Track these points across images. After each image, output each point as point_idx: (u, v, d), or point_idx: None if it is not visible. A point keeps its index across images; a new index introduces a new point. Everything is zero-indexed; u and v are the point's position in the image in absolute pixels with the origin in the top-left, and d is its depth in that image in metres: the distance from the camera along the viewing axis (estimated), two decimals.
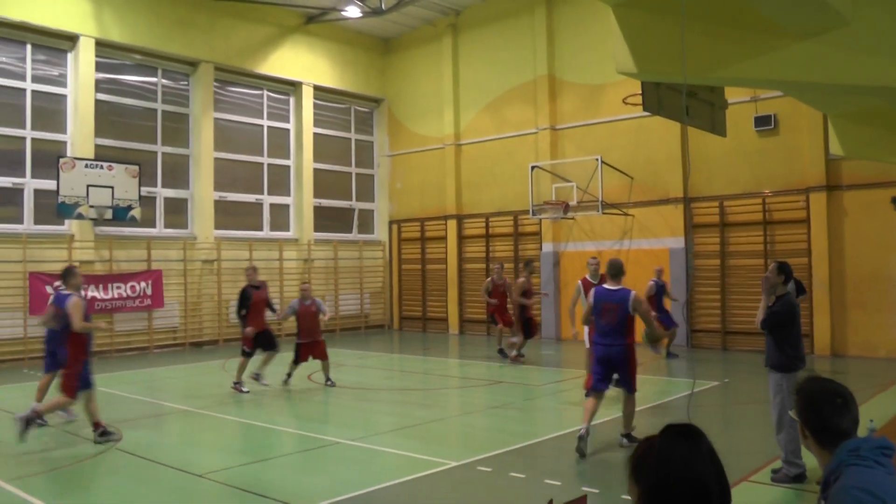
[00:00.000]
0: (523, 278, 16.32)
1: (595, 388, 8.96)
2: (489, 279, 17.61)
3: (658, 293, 16.34)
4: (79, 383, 9.35)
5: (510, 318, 17.16)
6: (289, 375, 13.50)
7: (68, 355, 9.34)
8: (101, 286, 18.09)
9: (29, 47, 17.99)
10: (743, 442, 9.32)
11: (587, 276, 12.36)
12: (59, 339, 9.66)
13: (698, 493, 2.09)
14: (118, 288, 18.37)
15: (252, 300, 13.27)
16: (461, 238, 23.76)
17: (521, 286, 16.19)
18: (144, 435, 9.97)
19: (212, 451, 9.37)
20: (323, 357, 13.54)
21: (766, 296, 7.71)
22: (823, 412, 2.77)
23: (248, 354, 13.29)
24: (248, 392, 12.93)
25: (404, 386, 14.42)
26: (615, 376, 9.05)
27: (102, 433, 9.43)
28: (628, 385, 9.00)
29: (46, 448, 9.42)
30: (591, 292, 9.31)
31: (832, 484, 2.58)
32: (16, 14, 17.27)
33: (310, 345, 13.39)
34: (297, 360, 13.41)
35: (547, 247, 21.31)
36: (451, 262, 23.71)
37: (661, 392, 12.73)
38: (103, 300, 18.01)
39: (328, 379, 13.58)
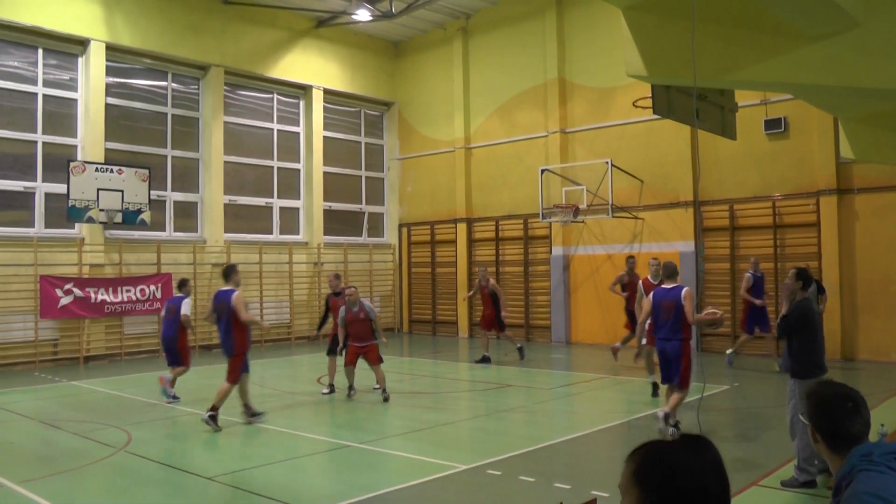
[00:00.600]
0: (623, 272, 16.03)
1: (663, 382, 10.03)
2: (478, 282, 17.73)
3: (756, 286, 15.56)
4: (242, 368, 10.60)
5: (495, 324, 17.21)
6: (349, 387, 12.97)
7: (235, 344, 10.52)
8: (110, 289, 18.15)
9: (40, 51, 18.08)
10: (753, 446, 9.28)
11: (648, 277, 13.14)
12: (224, 330, 10.69)
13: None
14: (128, 291, 18.43)
15: (330, 307, 13.65)
16: (471, 241, 23.75)
17: (619, 279, 15.88)
18: (154, 438, 10.00)
19: (221, 453, 9.39)
20: (373, 362, 12.53)
21: (787, 302, 7.75)
22: (834, 416, 2.76)
23: (332, 352, 13.29)
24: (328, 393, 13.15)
25: (414, 389, 14.40)
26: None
27: (252, 414, 10.71)
28: (679, 379, 9.70)
29: (56, 450, 9.45)
30: (651, 293, 10.24)
31: (844, 489, 2.56)
32: (27, 18, 17.36)
33: (361, 348, 12.54)
34: (347, 363, 12.65)
35: (557, 250, 21.28)
36: (461, 266, 23.69)
37: None
38: (113, 303, 18.07)
39: (381, 389, 12.60)
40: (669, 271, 10.03)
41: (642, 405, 11.91)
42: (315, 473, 8.50)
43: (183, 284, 13.23)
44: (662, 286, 10.07)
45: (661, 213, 19.35)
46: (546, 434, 10.07)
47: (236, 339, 10.53)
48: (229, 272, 11.11)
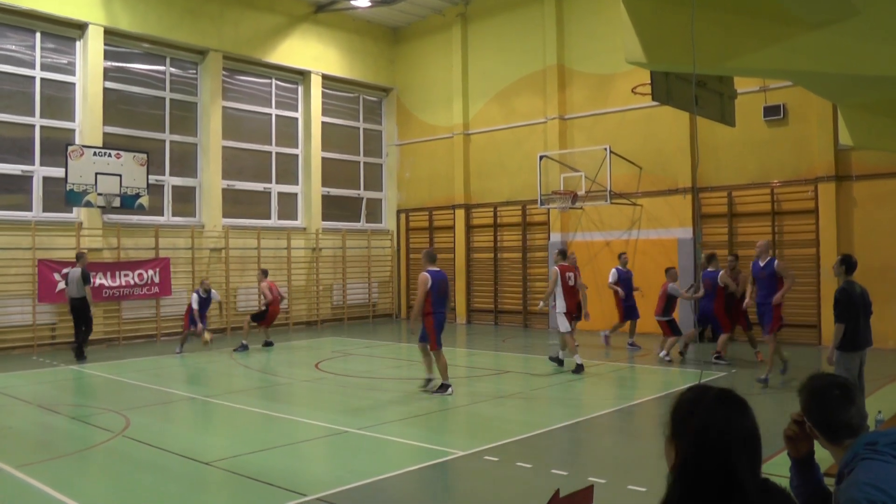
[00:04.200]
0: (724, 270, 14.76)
1: None
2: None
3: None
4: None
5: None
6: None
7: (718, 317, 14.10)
8: (108, 274, 18.15)
9: (38, 35, 18.00)
10: None
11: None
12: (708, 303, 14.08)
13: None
14: (126, 276, 18.42)
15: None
16: (469, 227, 23.74)
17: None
18: (151, 422, 10.02)
19: (219, 439, 9.41)
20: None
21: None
22: (825, 406, 2.76)
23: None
24: None
25: (412, 375, 14.42)
26: None
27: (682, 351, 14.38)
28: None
29: (54, 435, 9.47)
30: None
31: (846, 476, 2.55)
32: (25, 2, 17.25)
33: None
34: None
35: (555, 237, 21.27)
36: (459, 252, 23.69)
37: (668, 382, 12.74)
38: (111, 288, 18.07)
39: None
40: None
41: (641, 391, 11.94)
42: (313, 459, 8.52)
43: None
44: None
45: (659, 199, 19.34)
46: (543, 420, 10.09)
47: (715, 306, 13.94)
48: (710, 258, 14.09)
